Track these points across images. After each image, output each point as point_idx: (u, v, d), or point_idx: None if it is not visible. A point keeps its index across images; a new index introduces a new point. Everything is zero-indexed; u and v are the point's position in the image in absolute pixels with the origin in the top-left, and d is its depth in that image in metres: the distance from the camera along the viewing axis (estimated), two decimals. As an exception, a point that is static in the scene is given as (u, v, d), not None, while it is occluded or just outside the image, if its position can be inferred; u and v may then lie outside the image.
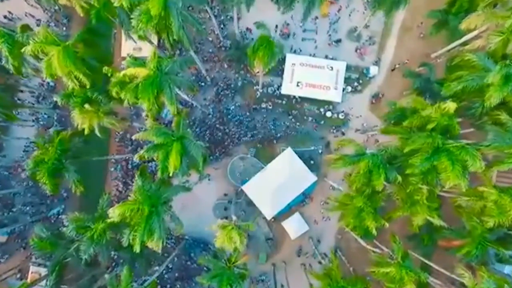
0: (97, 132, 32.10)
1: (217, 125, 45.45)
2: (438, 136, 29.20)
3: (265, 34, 33.66)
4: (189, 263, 45.36)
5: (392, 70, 45.72)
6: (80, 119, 31.11)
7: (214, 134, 45.43)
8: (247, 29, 45.27)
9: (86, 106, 31.58)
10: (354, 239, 42.13)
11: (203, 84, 45.67)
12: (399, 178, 30.13)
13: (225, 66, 45.75)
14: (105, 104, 32.04)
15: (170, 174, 28.04)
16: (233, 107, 45.63)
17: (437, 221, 32.14)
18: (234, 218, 33.15)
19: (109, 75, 29.45)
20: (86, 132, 31.57)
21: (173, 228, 36.70)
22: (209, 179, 45.43)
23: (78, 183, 33.53)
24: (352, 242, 44.48)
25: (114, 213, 26.48)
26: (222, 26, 46.07)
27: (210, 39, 46.04)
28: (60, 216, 44.87)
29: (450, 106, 29.75)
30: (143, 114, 45.48)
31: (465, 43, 40.57)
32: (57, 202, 45.88)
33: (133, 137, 29.34)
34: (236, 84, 45.73)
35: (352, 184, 32.51)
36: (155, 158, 29.11)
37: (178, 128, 29.64)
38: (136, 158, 29.42)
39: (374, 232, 31.58)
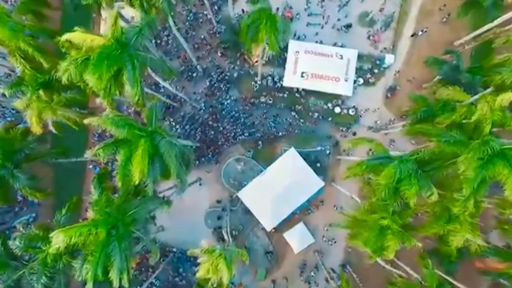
0: (51, 128, 23.51)
1: (210, 122, 36.82)
2: (492, 138, 20.66)
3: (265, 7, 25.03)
4: (177, 279, 36.81)
5: (412, 35, 37.06)
6: (27, 111, 22.53)
7: (206, 132, 36.83)
8: (243, 11, 36.61)
9: (41, 93, 23.09)
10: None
11: (193, 75, 37.03)
12: (435, 191, 21.50)
13: (219, 54, 37.12)
14: (63, 91, 23.41)
15: (136, 182, 19.42)
16: (228, 101, 37.00)
17: (479, 241, 23.68)
18: (225, 236, 24.52)
19: (63, 49, 20.85)
20: (34, 129, 22.95)
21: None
22: (200, 184, 36.83)
23: (32, 191, 25.05)
24: (364, 257, 35.82)
25: (58, 239, 17.89)
26: (215, 9, 37.46)
27: (202, 22, 37.42)
28: (29, 226, 36.31)
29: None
30: (124, 107, 37.17)
31: (500, 26, 32.30)
32: (27, 209, 37.38)
33: (85, 122, 20.56)
34: (232, 75, 37.04)
35: (374, 195, 23.89)
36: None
37: (150, 120, 21.05)
38: (87, 156, 20.70)
39: (391, 256, 23.04)
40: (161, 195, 31.63)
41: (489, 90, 25.90)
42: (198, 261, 22.52)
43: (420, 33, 36.63)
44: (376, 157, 22.94)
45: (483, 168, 19.82)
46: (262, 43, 24.75)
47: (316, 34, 36.99)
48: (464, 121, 24.74)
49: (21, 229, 24.57)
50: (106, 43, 19.21)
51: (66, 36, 18.85)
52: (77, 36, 18.81)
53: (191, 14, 37.09)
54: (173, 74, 25.18)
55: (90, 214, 19.92)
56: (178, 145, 22.20)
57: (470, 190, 20.30)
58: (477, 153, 19.47)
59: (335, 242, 36.18)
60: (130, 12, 30.46)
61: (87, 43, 18.86)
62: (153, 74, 24.77)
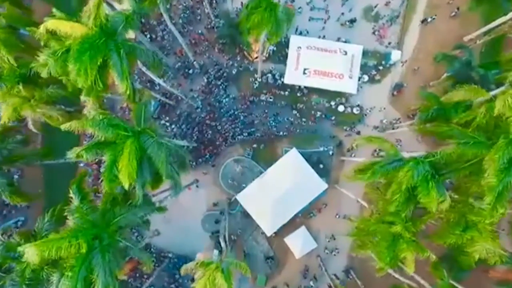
0: (30, 126, 21.02)
1: (207, 121, 34.37)
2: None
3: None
4: (173, 286, 34.39)
5: (422, 22, 34.46)
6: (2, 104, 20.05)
7: (204, 132, 34.36)
8: (242, 4, 34.11)
9: (20, 87, 20.63)
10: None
11: (190, 71, 34.56)
12: (447, 198, 19.10)
13: (217, 50, 34.64)
14: (46, 86, 20.92)
15: (125, 187, 16.94)
16: (226, 99, 34.53)
17: (500, 251, 21.27)
18: (223, 244, 22.02)
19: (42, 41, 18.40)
20: (2, 121, 20.46)
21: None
22: (197, 186, 34.39)
23: (13, 196, 22.58)
24: (368, 262, 33.35)
25: (30, 254, 15.41)
26: (213, 3, 34.98)
27: (199, 17, 34.95)
28: (18, 229, 33.84)
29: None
30: (118, 107, 34.68)
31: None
32: (15, 212, 34.89)
33: (62, 127, 18.08)
34: (230, 72, 34.55)
35: (383, 201, 21.48)
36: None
37: (139, 119, 18.62)
38: (69, 158, 18.20)
39: (412, 269, 20.59)
40: (155, 198, 29.31)
41: (506, 85, 23.48)
42: (194, 276, 20.02)
43: (429, 19, 34.10)
44: (388, 161, 20.37)
45: (507, 172, 17.43)
46: (262, 33, 22.20)
47: (323, 28, 34.37)
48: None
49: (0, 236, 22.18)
50: (88, 32, 16.76)
51: (43, 26, 16.36)
52: (55, 24, 16.32)
53: (187, 8, 34.62)
54: (162, 67, 22.60)
55: (70, 223, 17.45)
56: (171, 145, 19.79)
57: (494, 198, 17.89)
58: (505, 153, 17.06)
59: (338, 252, 33.83)
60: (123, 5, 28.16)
61: (66, 31, 16.37)
62: (144, 69, 22.32)
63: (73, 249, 16.10)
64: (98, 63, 16.57)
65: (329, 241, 33.82)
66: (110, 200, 18.67)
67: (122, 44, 17.33)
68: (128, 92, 18.56)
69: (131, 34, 26.26)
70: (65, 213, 17.88)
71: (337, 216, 33.62)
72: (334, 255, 33.80)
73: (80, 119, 22.84)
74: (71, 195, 18.18)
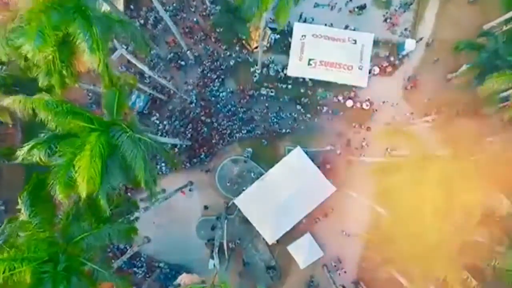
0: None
1: (202, 118, 30.00)
2: None
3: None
4: (164, 299, 30.05)
5: None
6: None
7: (198, 129, 29.97)
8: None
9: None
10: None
11: (183, 63, 30.18)
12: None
13: (213, 39, 30.29)
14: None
15: (83, 195, 12.53)
16: (223, 93, 30.13)
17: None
18: (216, 261, 17.68)
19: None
20: None
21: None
22: (190, 189, 29.98)
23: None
24: (380, 273, 29.15)
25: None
26: (209, -12, 30.72)
27: (194, 4, 30.61)
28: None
29: None
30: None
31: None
32: (-9, 217, 30.57)
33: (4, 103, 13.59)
34: (228, 63, 30.15)
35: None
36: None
37: (111, 108, 14.25)
38: (19, 157, 13.82)
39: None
40: (143, 203, 25.03)
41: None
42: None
43: None
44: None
45: None
46: (268, 6, 17.86)
47: (340, 10, 30.10)
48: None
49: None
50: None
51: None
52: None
53: (180, -7, 30.35)
54: (148, 47, 18.27)
55: (19, 241, 13.07)
56: (153, 143, 15.41)
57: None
58: None
59: (345, 272, 29.52)
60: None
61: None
62: (124, 52, 17.93)
63: (20, 276, 11.74)
64: (57, 23, 12.10)
65: (335, 265, 29.51)
66: (74, 212, 14.33)
67: (88, 7, 12.90)
68: (101, 67, 14.09)
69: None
70: (8, 231, 13.43)
71: (344, 233, 29.32)
72: (339, 274, 29.47)
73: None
74: (19, 206, 13.73)
